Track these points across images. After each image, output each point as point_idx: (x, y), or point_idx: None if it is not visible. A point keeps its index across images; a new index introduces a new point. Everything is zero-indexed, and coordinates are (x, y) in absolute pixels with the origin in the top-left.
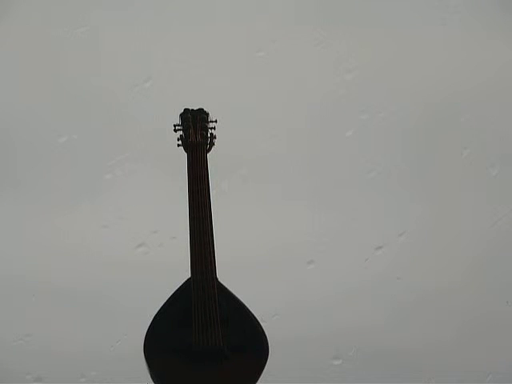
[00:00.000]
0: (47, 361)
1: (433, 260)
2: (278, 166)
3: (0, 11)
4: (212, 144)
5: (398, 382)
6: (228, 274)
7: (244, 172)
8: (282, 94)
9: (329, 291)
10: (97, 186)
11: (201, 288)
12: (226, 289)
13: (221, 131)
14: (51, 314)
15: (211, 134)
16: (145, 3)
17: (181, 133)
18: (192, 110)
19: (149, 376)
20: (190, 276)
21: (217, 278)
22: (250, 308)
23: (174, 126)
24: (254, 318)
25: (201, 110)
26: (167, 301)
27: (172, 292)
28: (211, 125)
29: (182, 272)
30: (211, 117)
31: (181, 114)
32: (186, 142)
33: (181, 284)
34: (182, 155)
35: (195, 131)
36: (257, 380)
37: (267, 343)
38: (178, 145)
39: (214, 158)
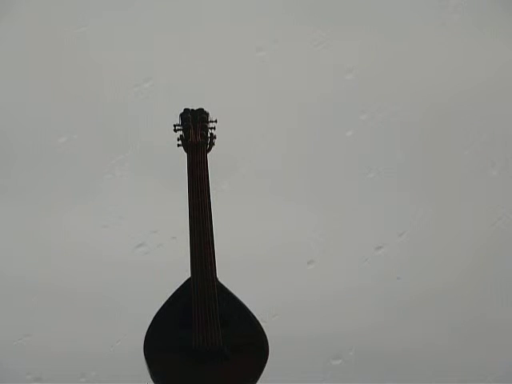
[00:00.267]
0: (47, 361)
1: (433, 260)
2: (278, 166)
3: (1, 11)
4: (212, 144)
5: (398, 382)
6: (228, 274)
7: (244, 172)
8: (282, 93)
9: (329, 291)
10: (97, 186)
11: (201, 288)
12: (225, 289)
13: (221, 131)
14: (51, 314)
15: (211, 134)
16: (145, 3)
17: (181, 133)
18: (192, 110)
19: (149, 376)
20: (190, 276)
21: (217, 278)
22: (250, 308)
23: (174, 126)
24: (254, 318)
25: (201, 110)
26: (167, 301)
27: (172, 292)
28: (211, 125)
29: (182, 272)
30: (211, 117)
31: (181, 114)
32: (186, 142)
33: (181, 284)
34: (182, 155)
35: (195, 131)
36: (257, 380)
37: (267, 343)
38: (178, 145)
39: (214, 158)
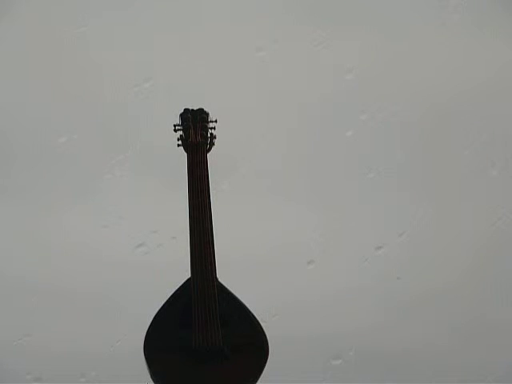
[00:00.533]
0: (47, 361)
1: (433, 260)
2: (278, 166)
3: (1, 11)
4: (212, 144)
5: (398, 382)
6: (228, 274)
7: (244, 172)
8: (282, 93)
9: (329, 291)
10: (97, 186)
11: (201, 288)
12: (225, 289)
13: (221, 131)
14: (51, 314)
15: (211, 134)
16: (145, 3)
17: (181, 133)
18: (192, 110)
19: (149, 376)
20: (190, 276)
21: (217, 278)
22: (250, 308)
23: (174, 126)
24: (254, 318)
25: (201, 110)
26: (167, 301)
27: (172, 292)
28: (211, 125)
29: (182, 272)
30: (211, 117)
31: (181, 114)
32: (186, 142)
33: (181, 284)
34: (182, 155)
35: (195, 131)
36: (257, 380)
37: (267, 343)
38: (178, 145)
39: (214, 158)
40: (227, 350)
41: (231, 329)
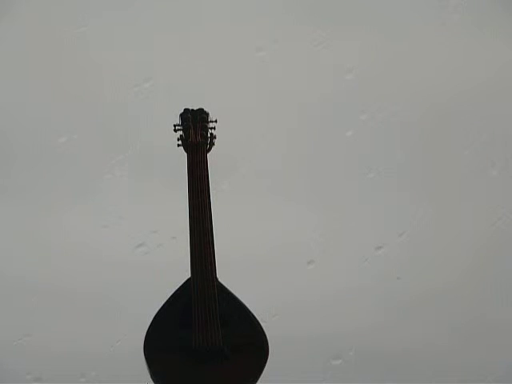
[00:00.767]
0: (47, 361)
1: (433, 260)
2: (278, 166)
3: (1, 11)
4: (212, 144)
5: (398, 382)
6: (228, 274)
7: (244, 172)
8: (282, 93)
9: (329, 291)
10: (97, 186)
11: (201, 288)
12: (225, 289)
13: (221, 131)
14: (51, 314)
15: (211, 134)
16: (145, 3)
17: (181, 133)
18: (192, 110)
19: (149, 376)
20: (190, 276)
21: (217, 278)
22: (250, 308)
23: (174, 126)
24: (254, 318)
25: (201, 110)
26: (167, 301)
27: (172, 292)
28: (211, 125)
29: (182, 272)
30: (211, 117)
31: (181, 114)
32: (186, 142)
33: (181, 284)
34: (182, 155)
35: (195, 131)
36: (257, 380)
37: (267, 343)
38: (178, 145)
39: (214, 158)
40: (227, 350)
41: (231, 329)
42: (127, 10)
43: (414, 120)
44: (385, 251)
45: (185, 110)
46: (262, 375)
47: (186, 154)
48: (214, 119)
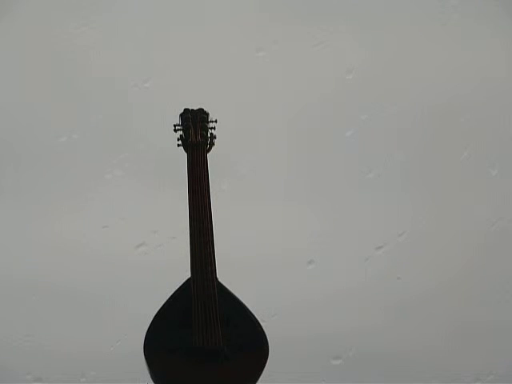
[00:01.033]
0: (47, 361)
1: (433, 260)
2: (278, 166)
3: (1, 11)
4: (212, 144)
5: (398, 382)
6: (228, 274)
7: (244, 172)
8: (282, 93)
9: (329, 291)
10: (97, 186)
11: (201, 288)
12: (226, 289)
13: (221, 131)
14: (51, 314)
15: (211, 133)
16: (145, 3)
17: (181, 133)
18: (192, 110)
19: (149, 376)
20: (190, 276)
21: (217, 278)
22: (250, 308)
23: (174, 125)
24: (254, 317)
25: (201, 110)
26: (167, 301)
27: (172, 292)
28: (211, 125)
29: (182, 272)
30: (211, 117)
31: (181, 114)
32: (186, 142)
33: (181, 284)
34: (182, 155)
35: (195, 131)
36: (257, 380)
37: (267, 343)
38: (178, 145)
39: (214, 158)
40: (227, 350)
41: (231, 329)
42: (127, 10)
43: (414, 120)
44: (385, 251)
45: (185, 110)
46: (262, 375)
47: (185, 154)
48: (213, 119)
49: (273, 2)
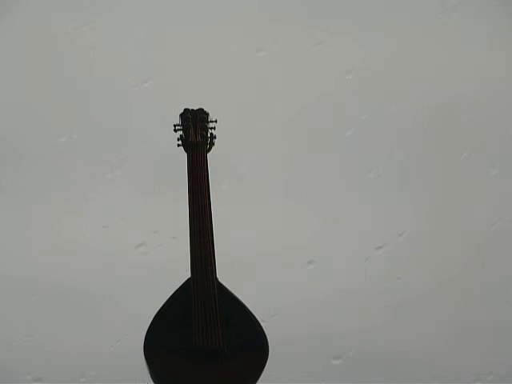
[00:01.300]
0: (47, 361)
1: (433, 260)
2: (278, 166)
3: (1, 11)
4: (212, 144)
5: (398, 382)
6: (228, 274)
7: (244, 172)
8: (282, 93)
9: (329, 291)
10: (97, 186)
11: (201, 288)
12: (226, 289)
13: (221, 131)
14: (51, 314)
15: (211, 133)
16: (145, 3)
17: (181, 133)
18: (192, 110)
19: (149, 376)
20: (190, 276)
21: (217, 278)
22: (250, 308)
23: (174, 125)
24: (254, 317)
25: (201, 110)
26: (167, 301)
27: (172, 292)
28: (211, 125)
29: (182, 272)
30: (211, 117)
31: (181, 114)
32: (186, 142)
33: (181, 284)
34: (182, 155)
35: (195, 131)
36: (257, 380)
37: (267, 343)
38: (178, 145)
39: (214, 158)
40: (227, 350)
41: (231, 329)
42: (127, 10)
43: (414, 120)
44: (385, 251)
45: (185, 110)
46: (262, 375)
47: (185, 154)
48: (213, 119)
49: (273, 2)
